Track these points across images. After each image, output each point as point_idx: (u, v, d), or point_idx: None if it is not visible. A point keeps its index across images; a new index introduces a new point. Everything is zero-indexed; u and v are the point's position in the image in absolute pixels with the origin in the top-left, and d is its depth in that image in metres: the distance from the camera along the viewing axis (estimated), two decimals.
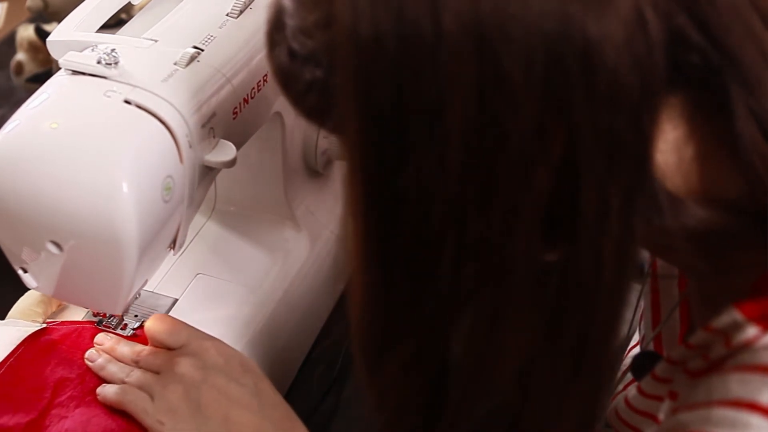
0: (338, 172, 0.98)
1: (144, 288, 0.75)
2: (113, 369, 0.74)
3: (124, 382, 0.72)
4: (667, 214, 0.47)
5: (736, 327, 0.47)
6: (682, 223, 0.48)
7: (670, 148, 0.46)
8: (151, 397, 0.70)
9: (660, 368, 0.56)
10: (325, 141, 0.90)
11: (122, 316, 0.79)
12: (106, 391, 0.72)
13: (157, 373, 0.72)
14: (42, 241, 0.63)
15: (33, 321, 0.78)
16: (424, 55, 0.42)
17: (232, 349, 0.72)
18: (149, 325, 0.75)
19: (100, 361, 0.74)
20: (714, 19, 0.44)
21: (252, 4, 0.75)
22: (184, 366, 0.70)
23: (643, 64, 0.42)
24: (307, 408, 0.85)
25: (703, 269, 0.54)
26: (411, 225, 0.45)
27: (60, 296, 0.74)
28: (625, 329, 0.57)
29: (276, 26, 0.50)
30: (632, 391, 0.61)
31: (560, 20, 0.41)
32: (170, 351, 0.73)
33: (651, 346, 0.65)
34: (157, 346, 0.74)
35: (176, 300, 0.83)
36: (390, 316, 0.50)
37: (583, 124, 0.42)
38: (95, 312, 0.79)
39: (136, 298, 0.75)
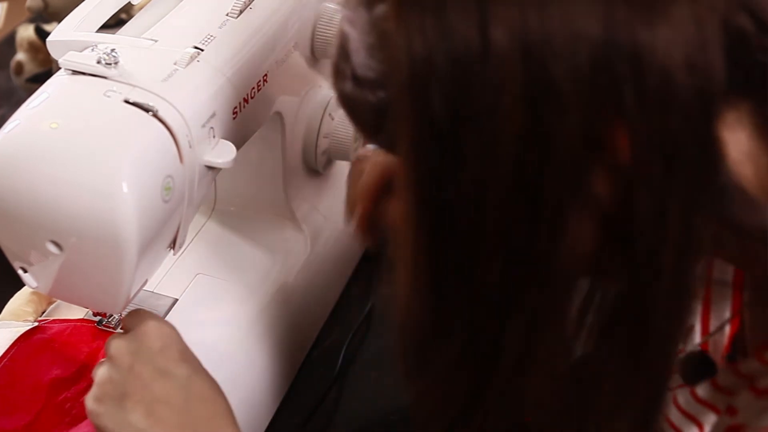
0: (338, 172, 0.98)
1: (144, 288, 0.75)
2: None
3: None
4: (743, 217, 0.47)
5: None
6: (759, 228, 0.48)
7: (745, 156, 0.46)
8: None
9: (723, 378, 0.55)
10: (325, 141, 0.90)
11: (122, 315, 0.79)
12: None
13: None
14: (42, 241, 0.63)
15: (24, 321, 0.78)
16: (473, 69, 0.43)
17: (177, 334, 0.68)
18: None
19: None
20: None
21: (252, 4, 0.75)
22: (117, 347, 0.67)
23: (698, 64, 0.42)
24: (307, 408, 0.85)
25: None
26: (461, 233, 0.47)
27: (60, 296, 0.74)
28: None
29: (341, 55, 0.52)
30: (683, 392, 0.60)
31: (606, 26, 0.42)
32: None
33: (697, 348, 0.64)
34: None
35: (176, 300, 0.83)
36: (438, 319, 0.51)
37: (636, 127, 0.43)
38: (95, 312, 0.79)
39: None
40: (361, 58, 0.50)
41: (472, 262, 0.48)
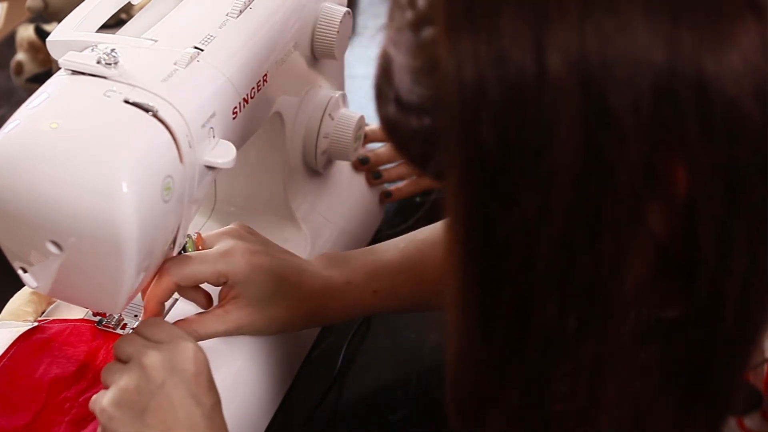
0: (338, 172, 0.98)
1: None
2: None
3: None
4: None
5: None
6: None
7: None
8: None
9: None
10: (325, 141, 0.90)
11: (122, 315, 0.79)
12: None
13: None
14: (42, 241, 0.63)
15: (24, 321, 0.78)
16: (528, 97, 0.41)
17: (208, 362, 0.68)
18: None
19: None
20: None
21: (252, 4, 0.75)
22: (153, 359, 0.65)
23: (766, 93, 0.40)
24: (307, 408, 0.85)
25: None
26: (514, 271, 0.45)
27: (60, 296, 0.74)
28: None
29: (384, 77, 0.50)
30: (730, 423, 0.57)
31: (670, 54, 0.40)
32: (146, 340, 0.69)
33: None
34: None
35: (176, 300, 0.83)
36: (492, 368, 0.49)
37: (700, 160, 0.41)
38: (95, 312, 0.79)
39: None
40: (405, 83, 0.48)
41: (527, 304, 0.45)
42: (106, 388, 0.67)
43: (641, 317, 0.45)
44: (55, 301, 0.82)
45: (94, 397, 0.68)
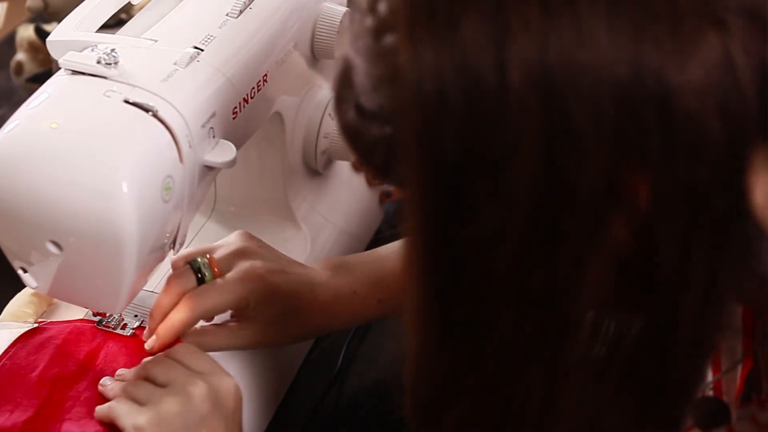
0: (338, 172, 0.98)
1: (144, 288, 0.75)
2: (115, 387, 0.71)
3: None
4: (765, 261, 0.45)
5: None
6: None
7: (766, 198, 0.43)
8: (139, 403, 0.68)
9: (740, 426, 0.53)
10: (325, 141, 0.90)
11: (122, 315, 0.79)
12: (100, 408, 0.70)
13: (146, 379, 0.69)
14: (42, 241, 0.63)
15: (24, 322, 0.78)
16: (489, 109, 0.41)
17: (242, 399, 0.69)
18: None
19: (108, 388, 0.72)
20: None
21: (252, 4, 0.75)
22: (200, 389, 0.67)
23: (730, 110, 0.40)
24: (307, 408, 0.85)
25: None
26: (472, 282, 0.44)
27: (60, 296, 0.74)
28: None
29: (344, 82, 0.49)
30: None
31: (633, 69, 0.39)
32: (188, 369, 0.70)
33: (710, 388, 0.62)
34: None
35: None
36: (449, 374, 0.49)
37: (662, 177, 0.40)
38: (95, 312, 0.79)
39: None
40: (366, 90, 0.47)
41: (485, 313, 0.45)
42: (137, 403, 0.67)
43: (599, 329, 0.45)
44: (55, 303, 0.82)
45: (119, 409, 0.68)
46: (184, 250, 0.77)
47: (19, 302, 0.80)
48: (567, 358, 0.45)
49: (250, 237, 0.79)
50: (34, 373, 0.73)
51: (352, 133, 0.50)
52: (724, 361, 0.61)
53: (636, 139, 0.40)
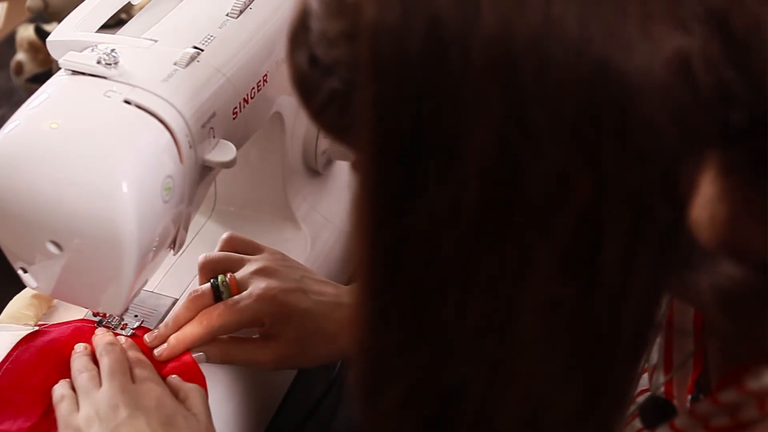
0: (338, 172, 0.98)
1: (144, 288, 0.75)
2: (77, 361, 0.73)
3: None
4: (698, 269, 0.45)
5: None
6: (712, 279, 0.46)
7: (704, 203, 0.43)
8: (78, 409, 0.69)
9: (680, 422, 0.53)
10: (325, 141, 0.90)
11: (122, 315, 0.79)
12: (56, 387, 0.72)
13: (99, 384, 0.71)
14: (42, 241, 0.63)
15: (25, 324, 0.78)
16: (448, 85, 0.40)
17: (173, 401, 0.71)
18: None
19: (77, 353, 0.74)
20: (764, 77, 0.41)
21: (252, 4, 0.75)
22: (117, 401, 0.69)
23: (686, 121, 0.39)
24: (306, 408, 0.85)
25: (729, 330, 0.52)
26: (417, 261, 0.44)
27: (60, 296, 0.74)
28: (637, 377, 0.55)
29: (299, 27, 0.47)
30: None
31: (599, 65, 0.38)
32: (126, 373, 0.72)
33: (661, 390, 0.63)
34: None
35: (176, 300, 0.83)
36: (387, 351, 0.48)
37: (611, 179, 0.40)
38: (95, 312, 0.79)
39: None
40: (322, 41, 0.45)
41: (429, 294, 0.44)
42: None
43: (542, 320, 0.44)
44: (54, 305, 0.82)
45: (59, 411, 0.70)
46: (215, 253, 0.80)
47: (18, 304, 0.80)
48: (508, 352, 0.45)
49: (277, 257, 0.81)
50: (38, 378, 0.73)
51: (302, 84, 0.48)
52: (675, 364, 0.62)
53: (592, 141, 0.39)
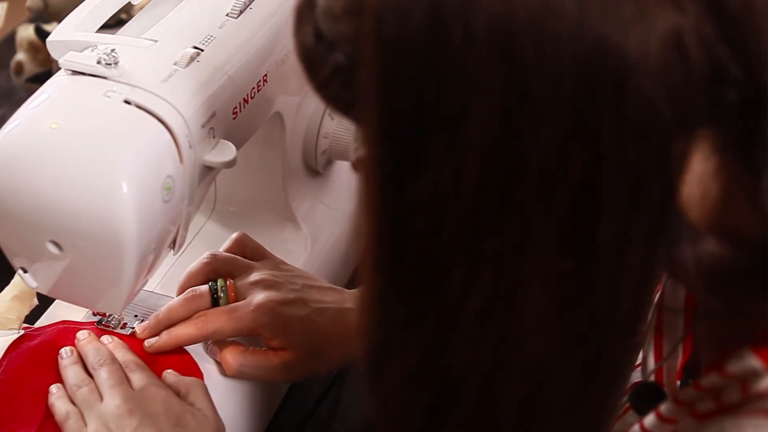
0: (338, 172, 0.98)
1: (144, 288, 0.75)
2: (70, 374, 0.73)
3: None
4: (685, 246, 0.46)
5: (755, 375, 0.46)
6: (698, 257, 0.47)
7: (696, 180, 0.44)
8: (85, 424, 0.70)
9: (665, 408, 0.53)
10: (325, 141, 0.90)
11: (122, 315, 0.79)
12: (57, 402, 0.72)
13: (101, 396, 0.71)
14: (42, 241, 0.63)
15: (9, 329, 0.78)
16: (450, 61, 0.40)
17: (178, 402, 0.71)
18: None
19: (65, 360, 0.74)
20: (757, 56, 0.42)
21: (252, 4, 0.75)
22: (122, 411, 0.69)
23: (679, 95, 0.40)
24: (306, 408, 0.85)
25: (715, 307, 0.53)
26: (421, 235, 0.44)
27: (60, 296, 0.74)
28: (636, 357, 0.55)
29: (305, 4, 0.48)
30: (634, 427, 0.58)
31: (596, 39, 0.39)
32: (124, 382, 0.72)
33: (651, 378, 0.63)
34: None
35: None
36: (393, 327, 0.48)
37: (609, 153, 0.41)
38: (95, 311, 0.79)
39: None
40: (327, 17, 0.46)
41: (432, 270, 0.45)
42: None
43: (543, 295, 0.45)
44: (36, 304, 0.82)
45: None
46: (223, 254, 0.81)
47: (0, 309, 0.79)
48: (510, 325, 0.45)
49: (281, 267, 0.81)
50: (32, 385, 0.73)
51: (308, 59, 0.49)
52: (665, 350, 0.62)
53: (590, 113, 0.40)
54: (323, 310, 0.78)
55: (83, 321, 0.79)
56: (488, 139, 0.41)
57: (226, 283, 0.77)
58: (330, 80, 0.48)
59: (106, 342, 0.76)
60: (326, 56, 0.47)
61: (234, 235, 0.83)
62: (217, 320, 0.76)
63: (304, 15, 0.48)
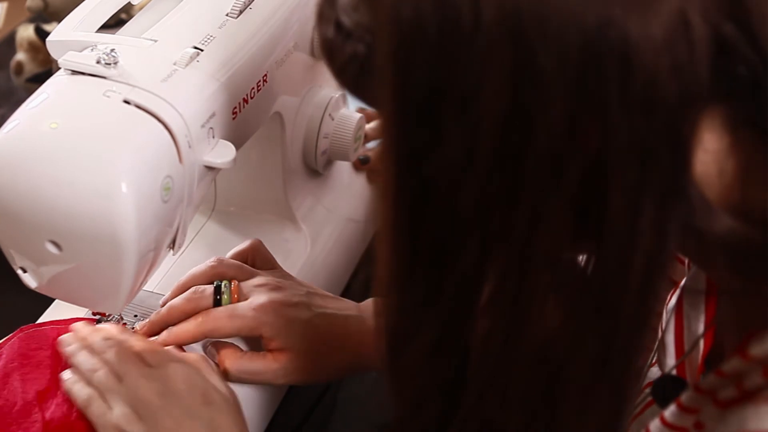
0: (338, 172, 0.98)
1: (144, 288, 0.75)
2: (82, 358, 0.72)
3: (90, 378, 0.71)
4: (703, 223, 0.47)
5: None
6: (718, 234, 0.48)
7: (711, 159, 0.45)
8: (110, 407, 0.69)
9: (686, 397, 0.54)
10: (325, 141, 0.90)
11: (121, 315, 0.79)
12: (74, 387, 0.71)
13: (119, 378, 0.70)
14: (41, 241, 0.63)
15: None
16: (461, 43, 0.42)
17: (201, 377, 0.71)
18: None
19: (72, 347, 0.74)
20: (764, 31, 0.43)
21: (252, 4, 0.75)
22: (146, 391, 0.68)
23: (683, 70, 0.41)
24: (305, 407, 0.85)
25: (735, 286, 0.53)
26: (437, 212, 0.46)
27: (59, 296, 0.74)
28: (651, 341, 0.55)
29: (328, 2, 0.50)
30: (654, 420, 0.58)
31: (599, 18, 0.41)
32: (139, 361, 0.71)
33: (674, 370, 0.63)
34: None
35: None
36: (411, 307, 0.50)
37: (616, 126, 0.42)
38: (95, 311, 0.79)
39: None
40: (346, 8, 0.49)
41: (448, 246, 0.46)
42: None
43: (556, 273, 0.46)
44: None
45: (93, 416, 0.69)
46: (230, 260, 0.80)
47: None
48: (524, 299, 0.46)
49: (285, 277, 0.81)
50: (17, 398, 0.72)
51: (329, 50, 0.51)
52: (686, 344, 0.62)
53: (597, 88, 0.41)
54: (326, 315, 0.78)
55: (23, 327, 0.78)
56: (499, 116, 0.42)
57: (231, 283, 0.77)
58: (348, 66, 0.50)
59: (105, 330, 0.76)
60: (345, 44, 0.49)
61: (250, 240, 0.83)
62: (217, 319, 0.76)
63: (325, 12, 0.51)
